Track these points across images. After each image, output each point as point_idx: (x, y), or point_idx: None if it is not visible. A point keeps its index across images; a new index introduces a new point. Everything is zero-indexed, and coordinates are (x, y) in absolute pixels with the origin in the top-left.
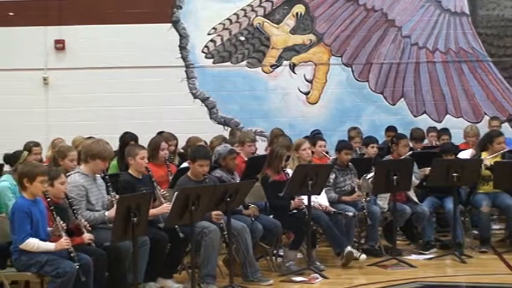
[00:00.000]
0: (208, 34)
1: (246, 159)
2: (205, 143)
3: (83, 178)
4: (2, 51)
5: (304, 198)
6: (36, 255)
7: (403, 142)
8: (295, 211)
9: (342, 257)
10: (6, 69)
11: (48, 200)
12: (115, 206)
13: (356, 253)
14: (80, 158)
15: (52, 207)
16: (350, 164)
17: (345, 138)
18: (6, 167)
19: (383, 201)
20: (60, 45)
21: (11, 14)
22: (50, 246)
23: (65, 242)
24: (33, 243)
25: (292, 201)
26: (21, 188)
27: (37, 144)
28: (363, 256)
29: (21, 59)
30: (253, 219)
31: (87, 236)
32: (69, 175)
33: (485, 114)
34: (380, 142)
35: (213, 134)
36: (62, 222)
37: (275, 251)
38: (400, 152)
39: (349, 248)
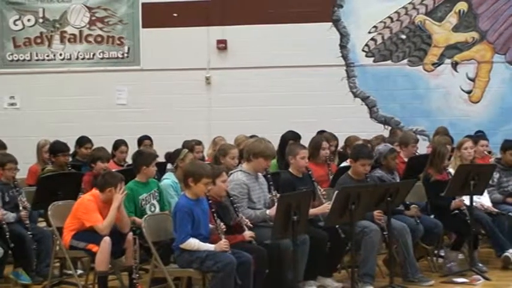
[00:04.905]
0: (369, 33)
1: (405, 159)
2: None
3: (245, 176)
4: (166, 51)
5: (466, 199)
6: (197, 252)
7: None
8: (456, 211)
9: None
10: (169, 69)
11: (210, 202)
12: (276, 204)
13: None
14: (242, 157)
15: (213, 210)
16: None
17: (507, 137)
18: (169, 166)
19: None
20: (222, 45)
21: (175, 15)
22: (209, 247)
23: (224, 244)
24: (193, 244)
25: (453, 202)
26: (185, 186)
27: (199, 143)
28: None
29: (184, 59)
30: (417, 220)
31: (248, 234)
32: (231, 173)
33: None
34: None
35: (373, 133)
36: (222, 224)
37: (436, 252)
38: None
39: (507, 253)
